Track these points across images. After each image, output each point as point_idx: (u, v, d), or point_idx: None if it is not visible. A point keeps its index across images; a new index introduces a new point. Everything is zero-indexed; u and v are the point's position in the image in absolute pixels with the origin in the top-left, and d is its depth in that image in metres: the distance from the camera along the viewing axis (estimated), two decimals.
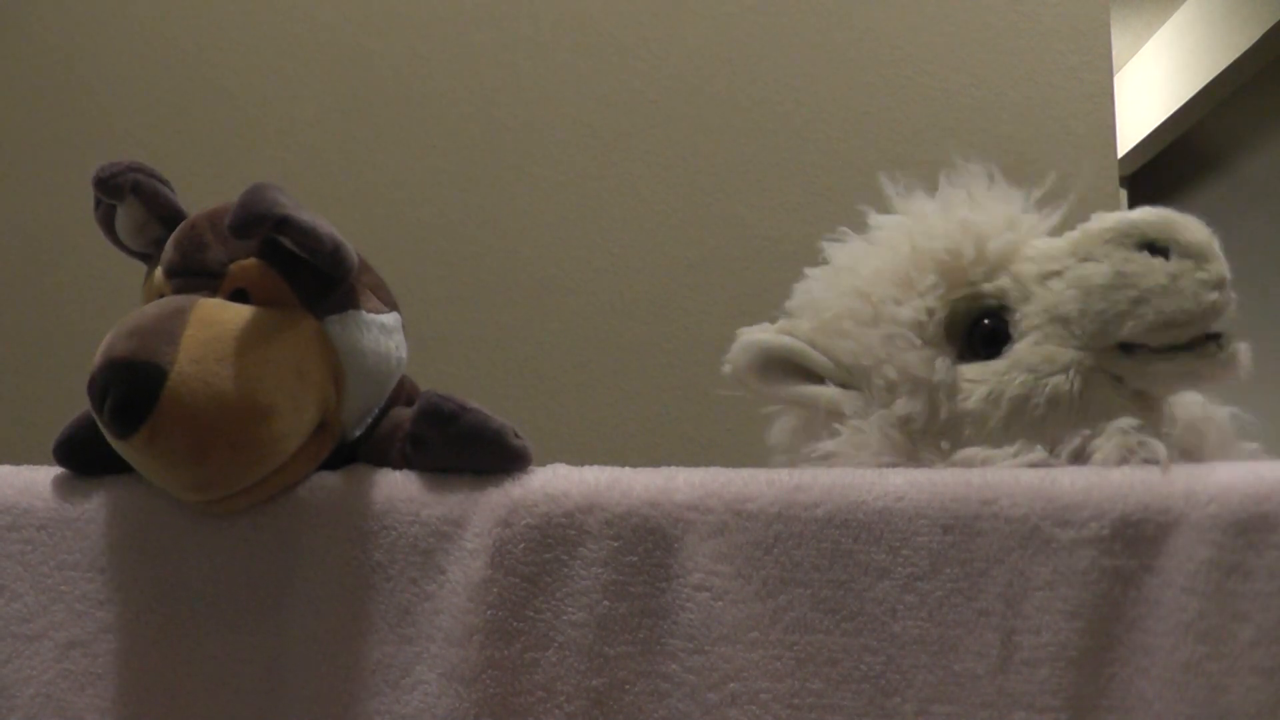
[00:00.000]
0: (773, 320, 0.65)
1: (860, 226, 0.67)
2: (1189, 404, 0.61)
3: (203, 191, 1.48)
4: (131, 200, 0.60)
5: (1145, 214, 0.57)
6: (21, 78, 1.38)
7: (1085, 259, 0.57)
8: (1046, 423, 0.57)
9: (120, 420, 0.51)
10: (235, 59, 1.35)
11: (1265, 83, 2.61)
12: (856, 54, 1.30)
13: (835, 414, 0.62)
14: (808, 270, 0.67)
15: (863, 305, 0.61)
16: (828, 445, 0.61)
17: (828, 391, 0.62)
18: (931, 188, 0.66)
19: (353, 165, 1.33)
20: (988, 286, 0.60)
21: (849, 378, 0.62)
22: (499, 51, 1.33)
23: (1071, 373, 0.57)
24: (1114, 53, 1.34)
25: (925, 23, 1.30)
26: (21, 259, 1.35)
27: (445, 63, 1.33)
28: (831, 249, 0.66)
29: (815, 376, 0.63)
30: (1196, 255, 0.55)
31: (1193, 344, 0.56)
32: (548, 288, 1.30)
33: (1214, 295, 0.55)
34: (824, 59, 1.30)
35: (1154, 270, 0.55)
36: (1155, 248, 0.56)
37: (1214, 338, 0.56)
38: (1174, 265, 0.55)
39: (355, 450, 0.60)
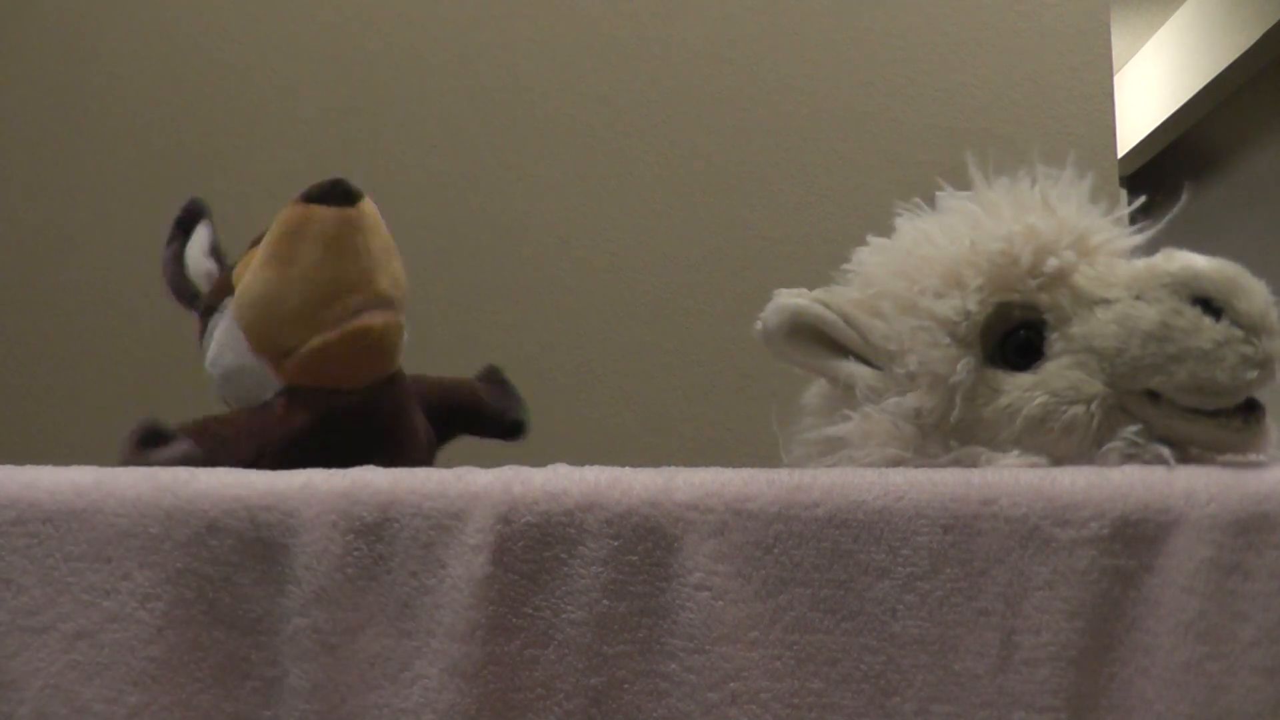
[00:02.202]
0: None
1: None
2: None
3: (203, 191, 1.48)
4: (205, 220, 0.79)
5: (1211, 268, 0.54)
6: (23, 77, 1.38)
7: (1138, 297, 0.55)
8: (1059, 447, 0.56)
9: (349, 191, 0.65)
10: (236, 59, 1.35)
11: (1265, 83, 2.61)
12: (856, 54, 1.30)
13: (852, 390, 0.61)
14: (871, 238, 0.65)
15: (905, 290, 0.60)
16: (836, 430, 0.61)
17: (848, 366, 0.62)
18: (937, 187, 0.65)
19: (353, 165, 1.33)
20: (1037, 298, 0.58)
21: (875, 356, 0.61)
22: (499, 51, 1.33)
23: (1093, 405, 0.56)
24: (1114, 53, 1.34)
25: (925, 23, 1.30)
26: (21, 259, 1.35)
27: (445, 63, 1.34)
28: (900, 223, 0.65)
29: (843, 349, 0.62)
30: (1248, 326, 0.53)
31: (1218, 413, 0.54)
32: (548, 288, 1.30)
33: (1253, 374, 0.53)
34: (824, 59, 1.30)
35: (1200, 331, 0.53)
36: (1210, 305, 0.54)
37: (1244, 409, 0.54)
38: (1222, 332, 0.53)
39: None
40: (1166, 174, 3.08)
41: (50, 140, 1.36)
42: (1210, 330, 0.53)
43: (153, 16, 1.37)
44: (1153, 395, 0.56)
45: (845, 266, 0.65)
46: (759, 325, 0.63)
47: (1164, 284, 0.55)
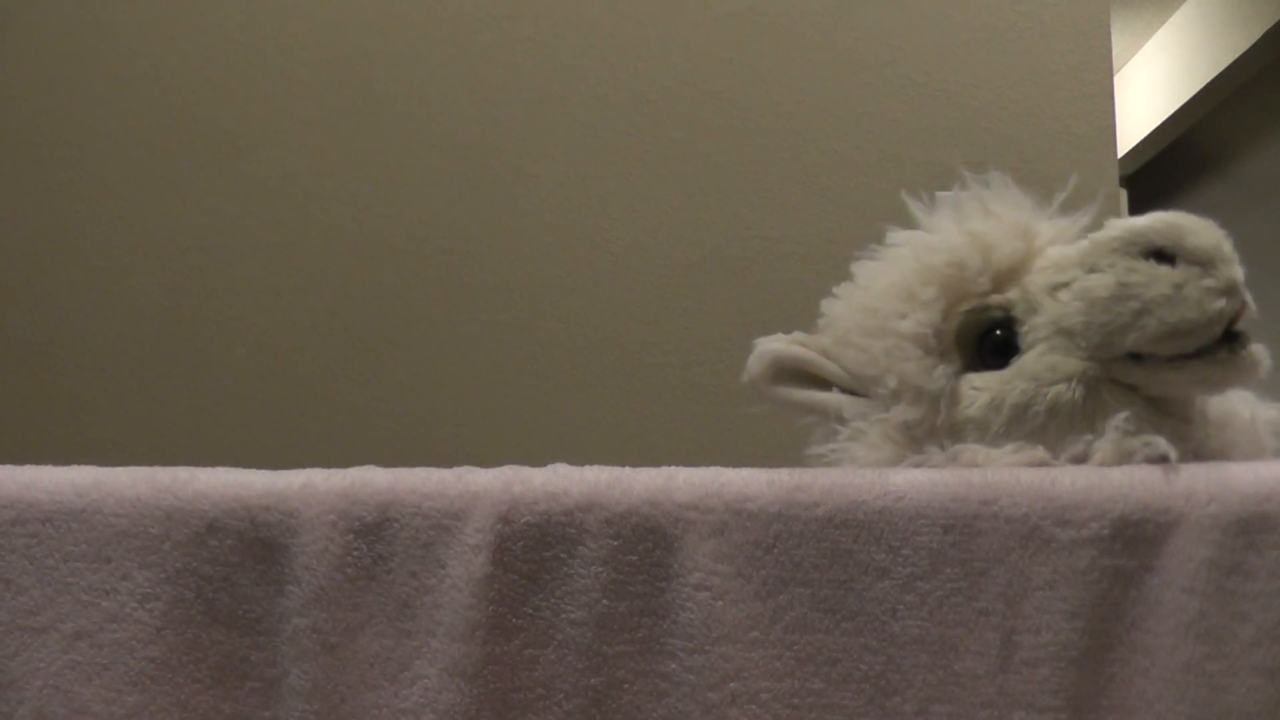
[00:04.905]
0: (786, 328, 0.67)
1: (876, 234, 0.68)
2: (1230, 404, 0.59)
3: (203, 191, 1.48)
4: None
5: (1152, 220, 0.56)
6: (22, 76, 1.38)
7: (1091, 270, 0.57)
8: (1047, 430, 0.57)
9: None
10: (235, 59, 1.36)
11: (1265, 83, 2.61)
12: (856, 54, 1.30)
13: (842, 419, 0.63)
14: (835, 289, 0.68)
15: (870, 319, 0.62)
16: (830, 446, 0.62)
17: (836, 397, 0.63)
18: (936, 187, 0.66)
19: (353, 165, 1.33)
20: (995, 298, 0.60)
21: (859, 385, 0.63)
22: (499, 51, 1.33)
23: (1074, 382, 0.56)
24: (1114, 53, 1.34)
25: (925, 23, 1.30)
26: (21, 259, 1.35)
27: (445, 63, 1.34)
28: (855, 267, 0.67)
29: (828, 385, 0.64)
30: (1203, 261, 0.54)
31: (1202, 351, 0.55)
32: (548, 288, 1.30)
33: (1220, 303, 0.53)
34: (824, 59, 1.30)
35: (1158, 280, 0.54)
36: (1163, 255, 0.55)
37: (1229, 341, 0.55)
38: (1179, 274, 0.54)
39: None
40: (1166, 174, 3.08)
41: (49, 140, 1.36)
42: (1167, 275, 0.54)
43: (152, 18, 1.37)
44: (1135, 357, 0.56)
45: (818, 320, 0.67)
46: (744, 376, 0.66)
47: (1113, 249, 0.56)
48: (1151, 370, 0.56)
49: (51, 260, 1.34)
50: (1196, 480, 0.50)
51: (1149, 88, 3.01)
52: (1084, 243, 0.59)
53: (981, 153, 1.23)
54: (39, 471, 0.58)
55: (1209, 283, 0.54)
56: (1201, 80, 2.69)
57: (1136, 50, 3.10)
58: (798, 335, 0.66)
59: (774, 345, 0.65)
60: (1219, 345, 0.55)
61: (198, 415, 1.32)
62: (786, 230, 1.28)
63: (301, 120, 1.34)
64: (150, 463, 0.58)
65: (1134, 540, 0.49)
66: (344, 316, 1.30)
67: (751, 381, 0.66)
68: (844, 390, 0.64)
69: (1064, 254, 0.59)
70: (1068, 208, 0.64)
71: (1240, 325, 0.55)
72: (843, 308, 0.65)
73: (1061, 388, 0.57)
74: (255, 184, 1.34)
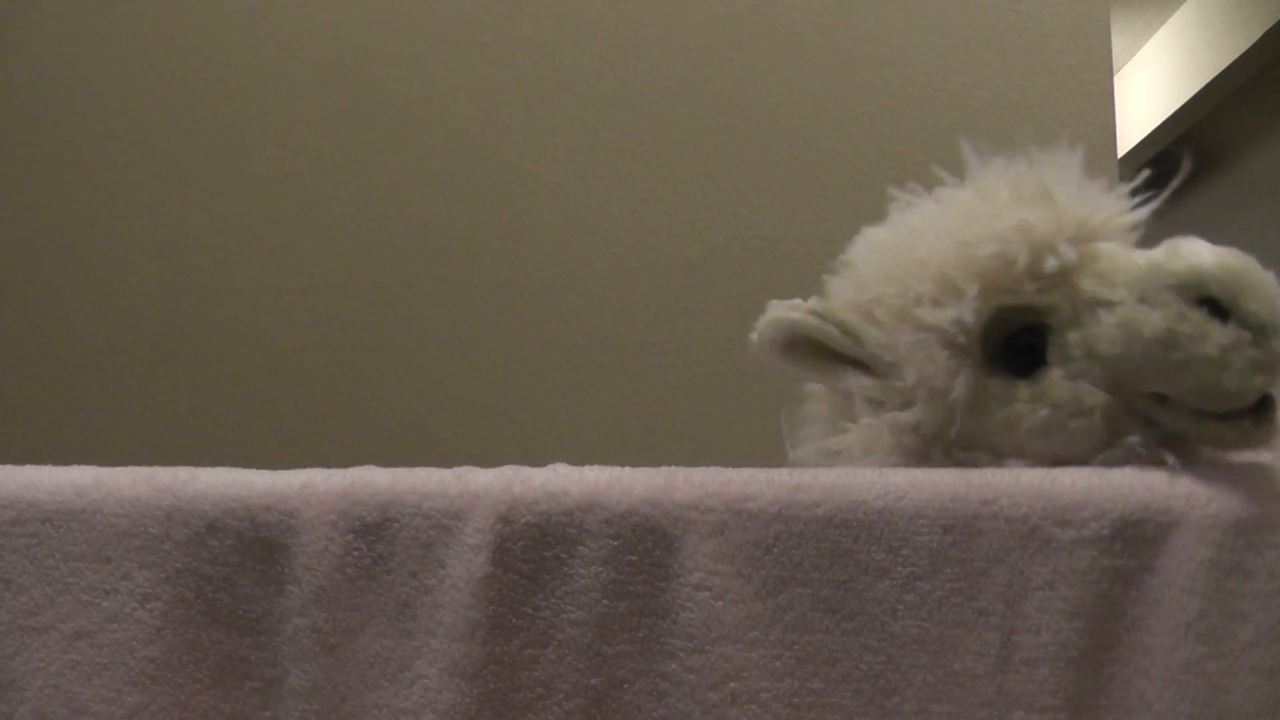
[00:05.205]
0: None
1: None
2: None
3: (203, 192, 1.48)
4: None
5: (1217, 267, 0.52)
6: (21, 76, 1.38)
7: (1142, 299, 0.54)
8: (1061, 456, 0.56)
9: None
10: (236, 59, 1.36)
11: (1265, 83, 2.61)
12: (856, 54, 1.30)
13: (852, 396, 0.60)
14: (866, 229, 0.64)
15: (898, 296, 0.59)
16: (837, 442, 0.60)
17: (847, 375, 0.61)
18: (929, 187, 0.64)
19: (353, 165, 1.33)
20: (1037, 300, 0.57)
21: (873, 363, 0.60)
22: (499, 51, 1.33)
23: (1096, 417, 0.55)
24: (1114, 53, 1.34)
25: (926, 23, 1.30)
26: (21, 259, 1.35)
27: (445, 62, 1.34)
28: (894, 214, 0.63)
29: (840, 356, 0.61)
30: (1256, 328, 0.51)
31: (1228, 415, 0.53)
32: (548, 288, 1.30)
33: (1260, 379, 0.51)
34: (824, 59, 1.30)
35: (1207, 337, 0.51)
36: (1218, 305, 0.52)
37: (1257, 410, 0.53)
38: (1229, 335, 0.51)
39: None
40: (1167, 174, 3.08)
41: (49, 140, 1.36)
42: (1217, 335, 0.51)
43: (152, 18, 1.37)
44: (1160, 396, 0.55)
45: (841, 257, 0.64)
46: (753, 338, 0.62)
47: (1168, 285, 0.53)
48: (1172, 414, 0.54)
49: (51, 260, 1.34)
50: (1196, 481, 0.50)
51: (1149, 88, 3.01)
52: (1142, 260, 0.55)
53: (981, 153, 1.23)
54: (39, 471, 0.58)
55: (1255, 354, 0.51)
56: (1201, 80, 2.69)
57: (1136, 50, 3.10)
58: (814, 302, 0.62)
59: (789, 315, 0.61)
60: (1246, 413, 0.53)
61: (198, 415, 1.32)
62: (786, 230, 1.28)
63: (301, 120, 1.34)
64: (150, 463, 0.58)
65: (1134, 540, 0.49)
66: (344, 316, 1.30)
67: (760, 348, 0.62)
68: (857, 363, 0.61)
69: (1116, 265, 0.56)
70: (1135, 192, 0.60)
71: (1267, 393, 0.53)
72: (871, 264, 0.62)
73: (1082, 422, 0.55)
74: (255, 184, 1.34)
